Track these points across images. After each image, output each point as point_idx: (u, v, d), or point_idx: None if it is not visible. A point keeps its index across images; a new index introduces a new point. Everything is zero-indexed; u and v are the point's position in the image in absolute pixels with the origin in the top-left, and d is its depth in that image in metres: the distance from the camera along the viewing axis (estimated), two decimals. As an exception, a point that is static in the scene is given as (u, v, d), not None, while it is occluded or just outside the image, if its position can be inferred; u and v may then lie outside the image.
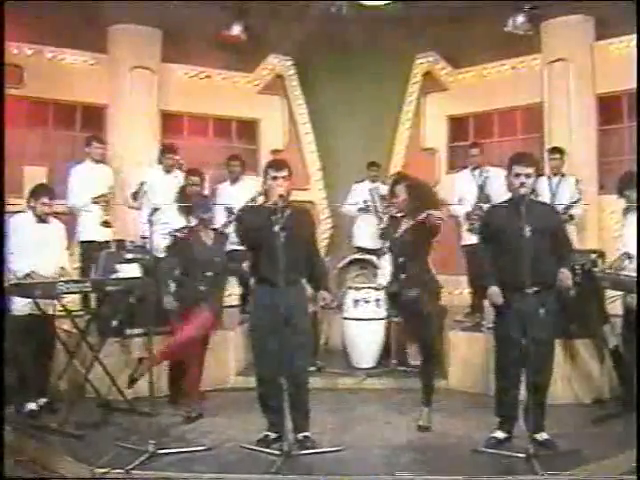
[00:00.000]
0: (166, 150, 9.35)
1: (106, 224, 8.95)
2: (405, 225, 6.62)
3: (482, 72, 11.88)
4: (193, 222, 7.61)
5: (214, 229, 7.51)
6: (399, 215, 6.75)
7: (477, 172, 9.35)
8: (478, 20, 10.65)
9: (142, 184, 8.98)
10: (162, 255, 7.51)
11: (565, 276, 5.89)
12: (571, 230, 8.65)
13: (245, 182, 9.85)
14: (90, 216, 9.03)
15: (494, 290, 5.95)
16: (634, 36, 9.76)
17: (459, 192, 9.47)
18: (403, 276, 6.60)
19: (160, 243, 7.24)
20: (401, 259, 6.62)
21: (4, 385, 6.17)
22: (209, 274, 7.19)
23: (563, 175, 9.22)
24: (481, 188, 9.19)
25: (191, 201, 7.84)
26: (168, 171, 9.12)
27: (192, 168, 8.66)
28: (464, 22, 10.79)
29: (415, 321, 6.70)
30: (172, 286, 7.22)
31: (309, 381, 6.27)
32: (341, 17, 10.77)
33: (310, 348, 6.93)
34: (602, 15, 10.35)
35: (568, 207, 8.77)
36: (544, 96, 10.99)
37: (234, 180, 9.81)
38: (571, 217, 8.82)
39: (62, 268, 7.19)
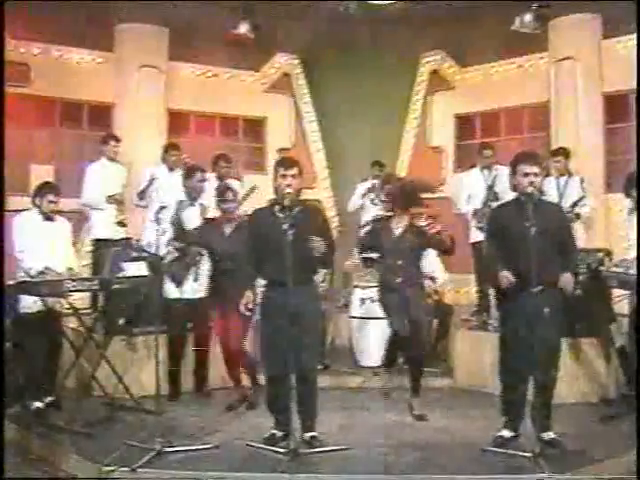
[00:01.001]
0: (170, 148, 9.37)
1: (121, 224, 8.99)
2: (400, 228, 6.90)
3: (489, 71, 11.88)
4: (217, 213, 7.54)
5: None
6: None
7: (486, 171, 9.36)
8: (485, 19, 10.67)
9: (152, 181, 9.01)
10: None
11: (566, 280, 5.81)
12: (579, 228, 8.68)
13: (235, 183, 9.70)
14: (103, 214, 9.06)
15: (504, 273, 5.84)
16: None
17: (468, 190, 9.48)
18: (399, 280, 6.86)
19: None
20: (400, 262, 6.88)
21: (4, 385, 6.16)
22: (227, 266, 7.09)
23: (570, 175, 9.21)
24: (490, 187, 9.19)
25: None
26: (172, 169, 9.12)
27: (191, 165, 8.57)
28: (471, 21, 10.80)
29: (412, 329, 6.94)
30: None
31: (318, 381, 6.25)
32: (348, 16, 10.79)
33: (320, 348, 6.90)
34: (610, 14, 10.33)
35: (574, 205, 8.78)
36: (551, 95, 10.98)
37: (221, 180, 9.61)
38: (577, 216, 8.82)
39: (70, 268, 7.16)
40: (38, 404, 6.94)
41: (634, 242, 6.94)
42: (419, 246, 6.99)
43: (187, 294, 7.66)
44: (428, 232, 6.88)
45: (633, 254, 6.88)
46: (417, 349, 7.07)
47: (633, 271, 6.62)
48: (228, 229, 7.29)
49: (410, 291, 6.95)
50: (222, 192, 7.38)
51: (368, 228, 7.67)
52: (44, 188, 7.38)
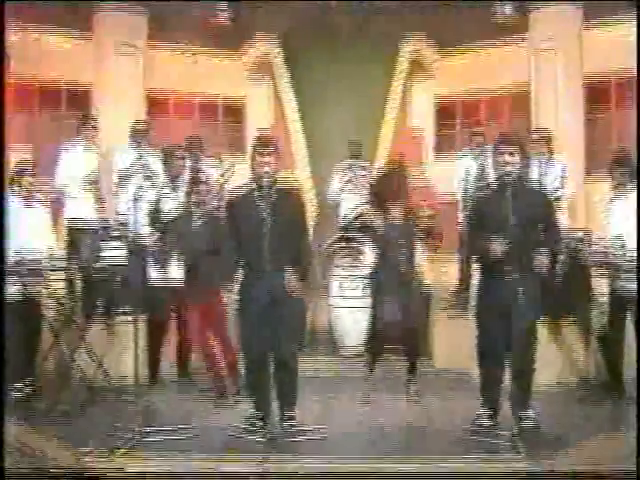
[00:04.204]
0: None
1: (101, 207, 8.93)
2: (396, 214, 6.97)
3: (469, 56, 11.84)
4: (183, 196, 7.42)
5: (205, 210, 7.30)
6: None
7: (480, 157, 9.38)
8: (466, 5, 10.65)
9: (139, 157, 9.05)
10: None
11: (539, 261, 5.72)
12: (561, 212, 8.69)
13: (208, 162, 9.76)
14: (78, 198, 8.99)
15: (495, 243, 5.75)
16: (621, 25, 9.85)
17: (460, 175, 9.50)
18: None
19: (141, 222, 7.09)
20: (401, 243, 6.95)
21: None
22: (194, 255, 7.03)
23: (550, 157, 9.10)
24: (482, 171, 9.21)
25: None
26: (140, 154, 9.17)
27: (170, 146, 8.57)
28: (452, 7, 10.78)
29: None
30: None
31: (297, 366, 6.22)
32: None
33: (300, 333, 6.88)
34: (590, 2, 10.33)
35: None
36: (531, 82, 10.99)
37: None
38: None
39: (50, 248, 7.09)
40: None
41: (617, 229, 6.97)
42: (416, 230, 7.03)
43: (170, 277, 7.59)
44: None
45: (611, 233, 6.93)
46: (410, 333, 7.07)
47: (612, 250, 6.67)
48: (198, 222, 7.15)
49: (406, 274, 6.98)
50: (195, 183, 7.25)
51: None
52: (22, 171, 7.33)
